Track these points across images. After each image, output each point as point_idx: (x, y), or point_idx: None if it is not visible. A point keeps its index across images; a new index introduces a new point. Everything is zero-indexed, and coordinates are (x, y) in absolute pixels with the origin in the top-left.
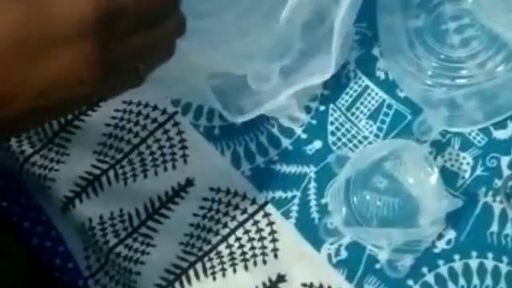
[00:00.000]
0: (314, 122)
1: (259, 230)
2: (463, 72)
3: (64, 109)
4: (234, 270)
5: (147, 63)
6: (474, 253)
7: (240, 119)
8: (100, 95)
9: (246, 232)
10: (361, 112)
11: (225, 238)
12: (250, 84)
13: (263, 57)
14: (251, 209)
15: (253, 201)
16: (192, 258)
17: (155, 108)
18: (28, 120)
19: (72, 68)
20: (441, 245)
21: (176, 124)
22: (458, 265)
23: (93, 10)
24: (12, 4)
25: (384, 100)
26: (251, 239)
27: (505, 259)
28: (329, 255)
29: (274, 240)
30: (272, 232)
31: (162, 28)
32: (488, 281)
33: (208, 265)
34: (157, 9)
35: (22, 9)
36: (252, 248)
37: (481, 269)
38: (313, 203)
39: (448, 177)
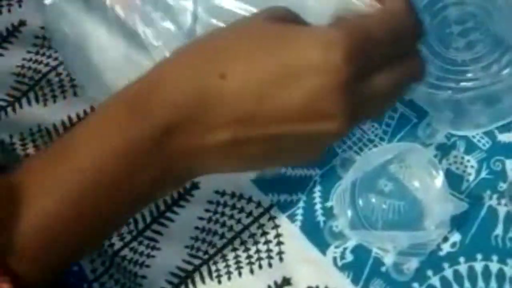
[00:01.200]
0: None
1: (265, 233)
2: (468, 76)
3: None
4: (240, 274)
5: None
6: (479, 256)
7: None
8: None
9: (252, 235)
10: None
11: (230, 241)
12: None
13: None
14: (256, 212)
15: (258, 204)
16: (197, 261)
17: None
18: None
19: (314, 100)
20: (446, 248)
21: None
22: (463, 268)
23: (342, 43)
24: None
25: None
26: (256, 242)
27: (510, 262)
28: (335, 258)
29: (279, 243)
30: (278, 235)
31: (403, 67)
32: (493, 283)
33: (213, 268)
34: (403, 39)
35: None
36: (258, 251)
37: (486, 272)
38: (318, 206)
39: (453, 180)
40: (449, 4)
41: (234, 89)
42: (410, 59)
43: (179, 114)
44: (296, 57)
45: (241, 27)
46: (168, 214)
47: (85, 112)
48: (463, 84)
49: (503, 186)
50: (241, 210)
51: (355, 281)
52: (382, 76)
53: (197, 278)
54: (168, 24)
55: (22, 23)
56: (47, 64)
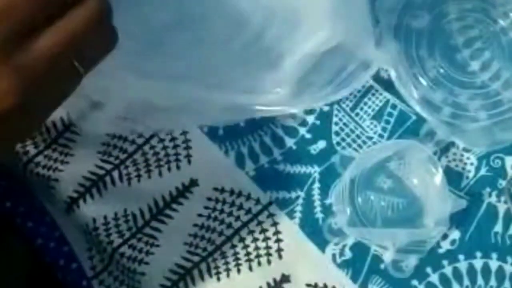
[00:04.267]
0: (318, 122)
1: (263, 231)
2: (467, 72)
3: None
4: (239, 271)
5: (81, 56)
6: (478, 254)
7: None
8: (42, 100)
9: (250, 232)
10: (365, 112)
11: (229, 239)
12: None
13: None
14: (255, 209)
15: (257, 201)
16: (196, 259)
17: None
18: None
19: None
20: (445, 245)
21: None
22: (462, 265)
23: None
24: None
25: (388, 100)
26: (255, 240)
27: (509, 259)
28: (334, 255)
29: (278, 241)
30: (277, 232)
31: (76, 16)
32: (493, 281)
33: (212, 265)
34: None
35: None
36: (257, 248)
37: (486, 269)
38: (317, 203)
39: (452, 177)
40: (448, 1)
41: None
42: (83, 6)
43: None
44: None
45: None
46: (167, 211)
47: (83, 109)
48: (462, 80)
49: (502, 183)
50: (240, 207)
51: (354, 278)
52: (46, 35)
53: (196, 275)
54: None
55: None
56: None
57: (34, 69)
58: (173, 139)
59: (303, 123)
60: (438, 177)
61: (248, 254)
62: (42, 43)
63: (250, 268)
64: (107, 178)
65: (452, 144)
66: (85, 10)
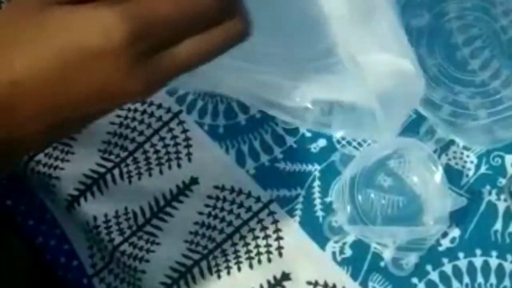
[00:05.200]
0: None
1: (264, 228)
2: (467, 70)
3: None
4: (239, 268)
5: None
6: (478, 251)
7: None
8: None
9: (251, 230)
10: None
11: (229, 236)
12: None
13: None
14: (255, 207)
15: (258, 199)
16: (197, 256)
17: (159, 106)
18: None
19: (108, 83)
20: (445, 243)
21: (180, 122)
22: (462, 263)
23: (120, 29)
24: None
25: None
26: (255, 237)
27: (509, 257)
28: (334, 253)
29: (278, 238)
30: (277, 230)
31: (215, 33)
32: (492, 279)
33: (213, 263)
34: (204, 16)
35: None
36: (257, 246)
37: (485, 267)
38: (317, 201)
39: (452, 175)
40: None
41: (29, 84)
42: (230, 22)
43: None
44: (77, 41)
45: (16, 11)
46: (168, 209)
47: None
48: (462, 79)
49: (502, 181)
50: (241, 205)
51: (354, 276)
52: (188, 42)
53: (197, 273)
54: None
55: None
56: None
57: (162, 75)
58: (173, 137)
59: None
60: (438, 175)
61: (248, 252)
62: (177, 55)
63: (251, 266)
64: (108, 176)
65: (452, 142)
66: (227, 30)
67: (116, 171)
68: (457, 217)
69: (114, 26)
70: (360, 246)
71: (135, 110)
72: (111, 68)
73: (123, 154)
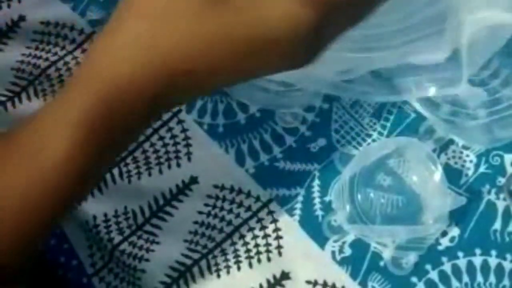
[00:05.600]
0: (318, 120)
1: (263, 228)
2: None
3: None
4: (239, 268)
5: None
6: (477, 251)
7: None
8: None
9: (250, 229)
10: (365, 110)
11: (229, 236)
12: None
13: None
14: (255, 207)
15: (257, 199)
16: (196, 256)
17: None
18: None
19: (280, 66)
20: (444, 242)
21: (180, 121)
22: (462, 262)
23: (307, 20)
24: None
25: None
26: (255, 237)
27: (508, 256)
28: (333, 253)
29: (278, 238)
30: (276, 229)
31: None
32: (492, 278)
33: (212, 262)
34: None
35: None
36: (256, 245)
37: (485, 267)
38: (317, 200)
39: (452, 174)
40: None
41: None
42: None
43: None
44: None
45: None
46: (167, 209)
47: None
48: None
49: (502, 180)
50: (240, 204)
51: (353, 275)
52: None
53: (196, 272)
54: None
55: (21, 18)
56: (46, 59)
57: (325, 46)
58: (173, 136)
59: (303, 120)
60: (438, 175)
61: (248, 251)
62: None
63: (250, 265)
64: (107, 175)
65: (452, 141)
66: None
67: (115, 170)
68: (457, 216)
69: (304, 19)
70: (359, 246)
71: None
72: (288, 54)
73: (123, 153)
